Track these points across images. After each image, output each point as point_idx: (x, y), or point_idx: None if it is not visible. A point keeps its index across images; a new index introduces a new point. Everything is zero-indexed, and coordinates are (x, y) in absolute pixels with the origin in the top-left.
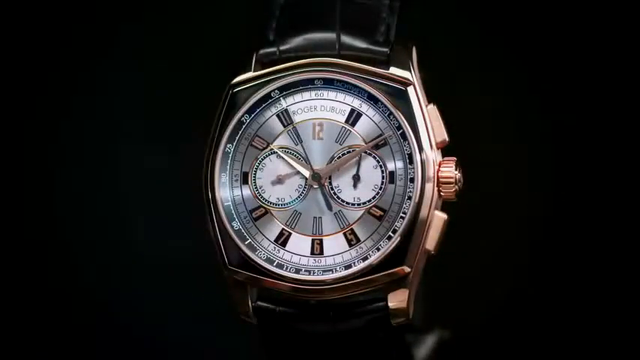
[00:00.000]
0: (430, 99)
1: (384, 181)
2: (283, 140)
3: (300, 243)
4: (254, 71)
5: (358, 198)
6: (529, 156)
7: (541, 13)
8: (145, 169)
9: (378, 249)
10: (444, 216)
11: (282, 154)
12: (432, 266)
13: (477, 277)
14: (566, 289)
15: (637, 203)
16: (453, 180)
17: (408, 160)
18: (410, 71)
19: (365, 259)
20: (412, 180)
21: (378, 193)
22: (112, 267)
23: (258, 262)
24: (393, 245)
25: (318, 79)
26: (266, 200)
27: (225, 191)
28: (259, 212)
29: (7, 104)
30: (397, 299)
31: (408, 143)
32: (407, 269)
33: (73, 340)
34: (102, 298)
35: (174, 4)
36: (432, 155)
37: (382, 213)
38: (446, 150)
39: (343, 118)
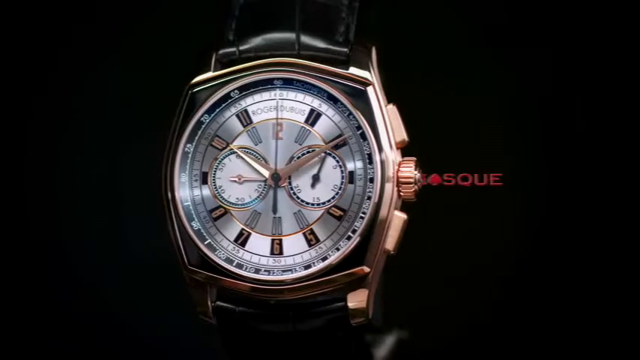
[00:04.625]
0: (390, 99)
1: (344, 181)
2: (243, 140)
3: (259, 243)
4: (214, 71)
5: (318, 198)
6: (488, 155)
7: (503, 10)
8: (146, 168)
9: (338, 249)
10: (404, 216)
11: (241, 154)
12: (392, 266)
13: (436, 277)
14: (525, 284)
15: (613, 203)
16: (412, 180)
17: (367, 160)
18: (369, 71)
19: (324, 259)
20: (372, 180)
21: (337, 193)
22: (111, 267)
23: (218, 262)
24: (353, 245)
25: (278, 79)
26: (225, 200)
27: (185, 191)
28: (219, 212)
29: (6, 104)
30: (357, 299)
31: (368, 143)
32: (366, 269)
33: (72, 340)
34: (101, 297)
35: (134, 4)
36: (392, 155)
37: (342, 213)
38: (406, 150)
39: (303, 118)
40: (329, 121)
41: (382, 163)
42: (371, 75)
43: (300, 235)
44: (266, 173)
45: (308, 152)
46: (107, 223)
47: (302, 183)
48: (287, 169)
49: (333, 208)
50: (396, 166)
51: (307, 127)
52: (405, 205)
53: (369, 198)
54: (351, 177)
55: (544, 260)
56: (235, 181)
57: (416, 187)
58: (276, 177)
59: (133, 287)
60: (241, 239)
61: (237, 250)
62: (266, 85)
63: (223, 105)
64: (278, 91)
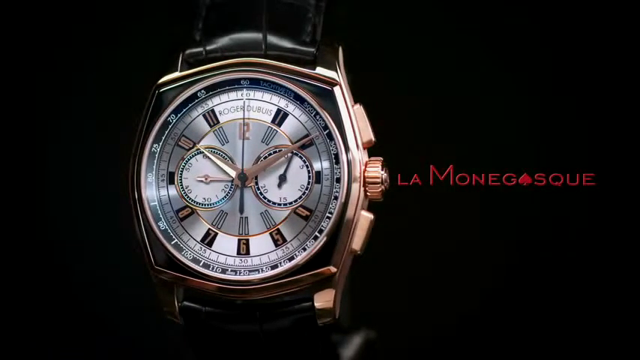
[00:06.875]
0: (357, 99)
1: (311, 181)
2: (210, 140)
3: (226, 243)
4: (180, 71)
5: (284, 198)
6: (455, 154)
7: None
8: None
9: (305, 249)
10: (371, 216)
11: (208, 154)
12: (359, 266)
13: (403, 278)
14: (493, 284)
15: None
16: (379, 180)
17: (334, 160)
18: (336, 71)
19: (291, 259)
20: (338, 180)
21: (304, 193)
22: (109, 267)
23: (185, 262)
24: (320, 245)
25: (245, 79)
26: (192, 200)
27: (152, 191)
28: (185, 212)
29: (4, 104)
30: (323, 299)
31: (335, 143)
32: (333, 269)
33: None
34: (99, 297)
35: (105, 4)
36: (359, 155)
37: (308, 213)
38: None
39: (269, 118)
40: (296, 121)
41: (349, 163)
42: (338, 75)
43: (266, 235)
44: (233, 173)
45: (275, 152)
46: (104, 222)
47: (269, 183)
48: (254, 169)
49: (299, 208)
50: (362, 166)
51: (274, 127)
52: (372, 205)
53: (336, 198)
54: (317, 177)
55: (512, 260)
56: (202, 181)
57: (383, 186)
58: (242, 177)
59: (130, 287)
60: (208, 239)
61: (204, 250)
62: (233, 85)
63: (190, 105)
64: (245, 91)
